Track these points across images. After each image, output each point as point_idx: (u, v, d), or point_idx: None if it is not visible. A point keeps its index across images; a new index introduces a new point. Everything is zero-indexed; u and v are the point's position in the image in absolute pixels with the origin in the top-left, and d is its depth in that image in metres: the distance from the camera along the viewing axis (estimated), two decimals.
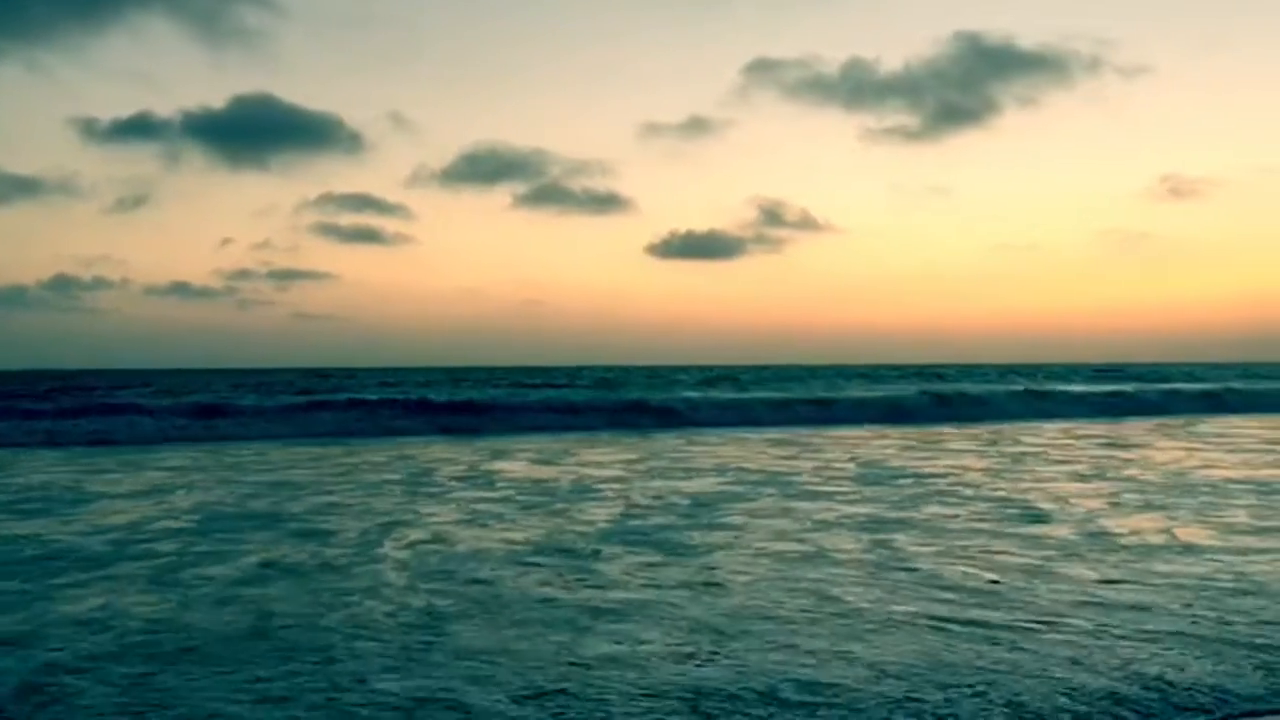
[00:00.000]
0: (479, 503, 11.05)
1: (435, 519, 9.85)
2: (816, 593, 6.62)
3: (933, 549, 8.09)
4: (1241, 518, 9.45)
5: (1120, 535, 8.61)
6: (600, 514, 10.08)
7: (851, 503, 10.72)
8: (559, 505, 10.74)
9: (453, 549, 8.21)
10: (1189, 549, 7.95)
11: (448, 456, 17.00)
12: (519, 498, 11.42)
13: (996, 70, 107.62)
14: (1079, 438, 20.32)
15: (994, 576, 7.02)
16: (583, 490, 12.05)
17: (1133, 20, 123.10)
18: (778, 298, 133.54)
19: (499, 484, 12.82)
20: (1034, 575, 7.07)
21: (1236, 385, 33.34)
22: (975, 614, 6.00)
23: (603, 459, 16.31)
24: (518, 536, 8.79)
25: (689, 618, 5.98)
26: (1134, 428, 23.59)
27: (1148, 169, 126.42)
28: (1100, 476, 12.95)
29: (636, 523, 9.50)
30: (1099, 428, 23.61)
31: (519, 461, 16.07)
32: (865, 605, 6.24)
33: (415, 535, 8.88)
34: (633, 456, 16.70)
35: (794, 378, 55.19)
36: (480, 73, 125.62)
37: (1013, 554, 7.85)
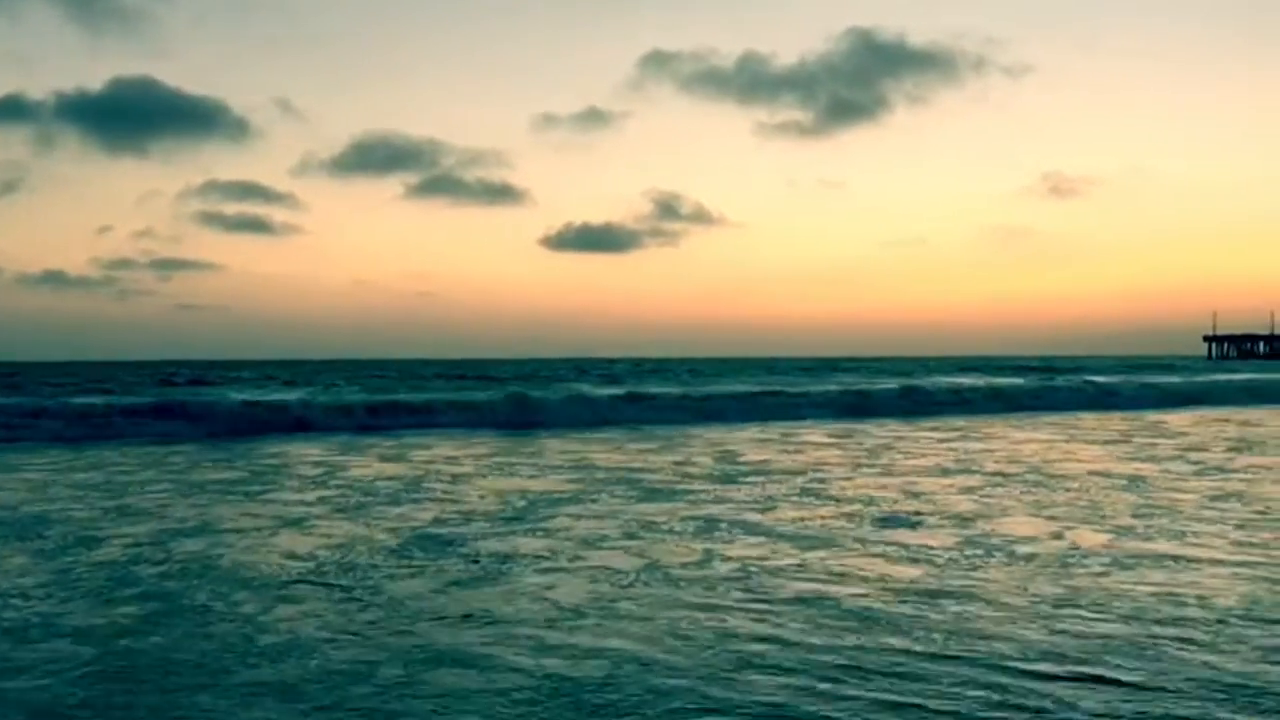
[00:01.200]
0: (295, 505, 10.02)
1: (229, 525, 8.78)
2: (694, 627, 5.33)
3: (799, 560, 7.13)
4: (1126, 518, 8.80)
5: (1014, 542, 7.71)
6: (422, 517, 9.14)
7: (699, 503, 9.99)
8: (379, 508, 9.75)
9: (222, 567, 7.11)
10: (1115, 560, 7.01)
11: (303, 454, 15.85)
12: (341, 499, 10.40)
13: (888, 67, 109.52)
14: (951, 434, 20.10)
15: (895, 598, 5.91)
16: (415, 490, 11.08)
17: (1017, 20, 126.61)
18: (673, 291, 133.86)
19: (332, 483, 11.77)
20: (946, 595, 6.01)
21: (1101, 379, 33.91)
22: (919, 662, 4.72)
23: (460, 454, 15.38)
24: (305, 549, 7.72)
25: (538, 672, 4.61)
26: (1002, 423, 23.57)
27: (1030, 167, 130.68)
28: (964, 471, 12.49)
29: (456, 529, 8.57)
30: (967, 422, 23.54)
31: (370, 458, 15.02)
32: (767, 649, 4.96)
33: (190, 547, 7.80)
34: (489, 451, 15.80)
35: (695, 371, 54.86)
36: (371, 60, 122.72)
37: (902, 567, 6.84)
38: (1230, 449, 15.53)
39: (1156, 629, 5.33)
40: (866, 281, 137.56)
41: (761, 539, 8.01)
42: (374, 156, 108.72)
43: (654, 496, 10.49)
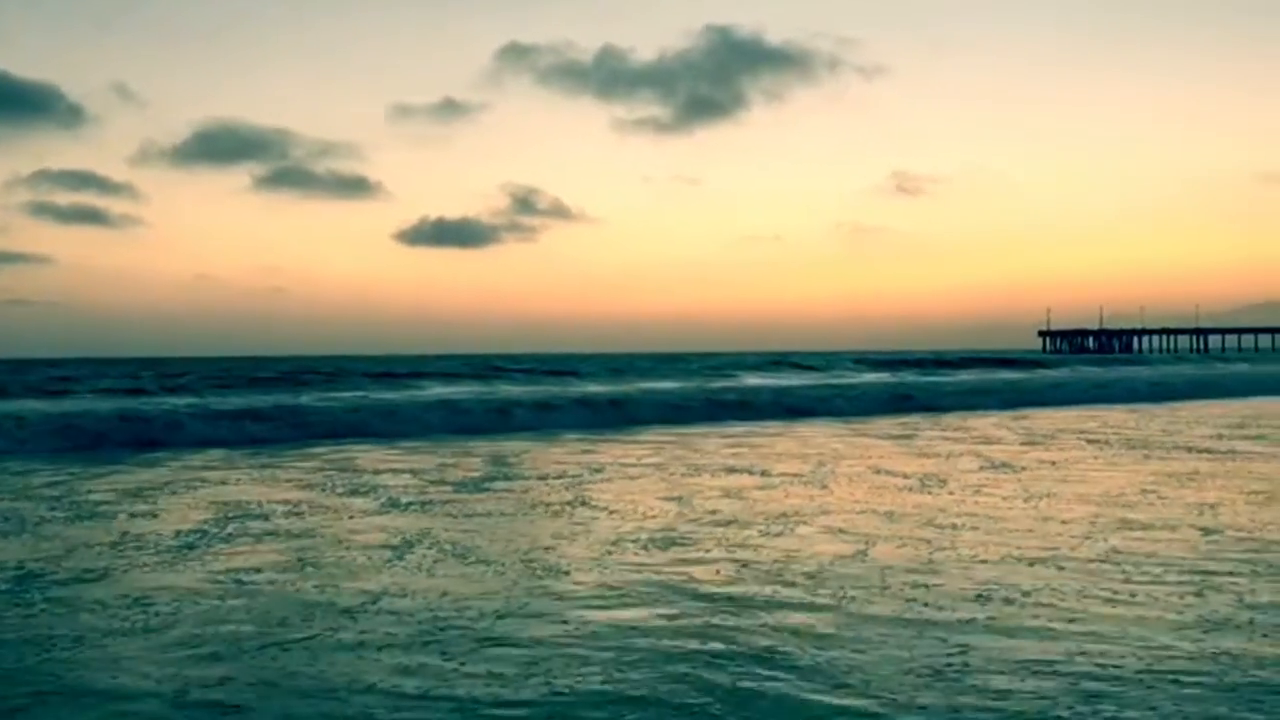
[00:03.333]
0: None
1: None
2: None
3: (514, 602, 5.79)
4: (936, 529, 7.85)
5: (822, 567, 6.39)
6: (67, 541, 7.89)
7: (431, 515, 9.00)
8: (51, 530, 8.44)
9: None
10: (980, 595, 5.66)
11: (64, 470, 14.16)
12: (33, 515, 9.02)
13: (745, 64, 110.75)
14: (743, 436, 19.67)
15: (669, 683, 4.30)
16: (106, 506, 9.75)
17: (872, 21, 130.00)
18: (532, 286, 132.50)
19: (47, 499, 10.34)
20: (764, 665, 4.49)
21: (922, 380, 34.17)
22: None
23: (215, 461, 13.99)
24: None
25: None
26: (803, 425, 23.37)
27: (881, 165, 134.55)
28: (748, 472, 11.84)
29: (94, 563, 7.36)
30: (768, 425, 23.24)
31: (137, 472, 13.45)
32: None
33: None
34: (268, 459, 14.44)
35: (555, 366, 53.64)
36: (216, 44, 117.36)
37: (674, 606, 5.52)
38: (1023, 443, 15.43)
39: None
40: (723, 277, 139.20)
41: (474, 568, 6.85)
42: (219, 146, 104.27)
43: (390, 508, 9.44)
